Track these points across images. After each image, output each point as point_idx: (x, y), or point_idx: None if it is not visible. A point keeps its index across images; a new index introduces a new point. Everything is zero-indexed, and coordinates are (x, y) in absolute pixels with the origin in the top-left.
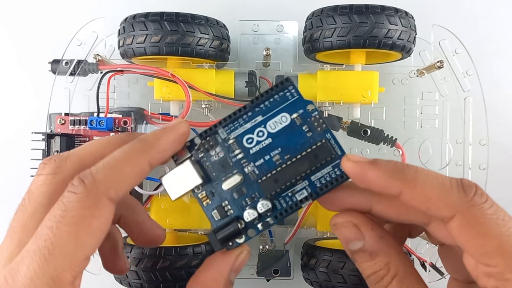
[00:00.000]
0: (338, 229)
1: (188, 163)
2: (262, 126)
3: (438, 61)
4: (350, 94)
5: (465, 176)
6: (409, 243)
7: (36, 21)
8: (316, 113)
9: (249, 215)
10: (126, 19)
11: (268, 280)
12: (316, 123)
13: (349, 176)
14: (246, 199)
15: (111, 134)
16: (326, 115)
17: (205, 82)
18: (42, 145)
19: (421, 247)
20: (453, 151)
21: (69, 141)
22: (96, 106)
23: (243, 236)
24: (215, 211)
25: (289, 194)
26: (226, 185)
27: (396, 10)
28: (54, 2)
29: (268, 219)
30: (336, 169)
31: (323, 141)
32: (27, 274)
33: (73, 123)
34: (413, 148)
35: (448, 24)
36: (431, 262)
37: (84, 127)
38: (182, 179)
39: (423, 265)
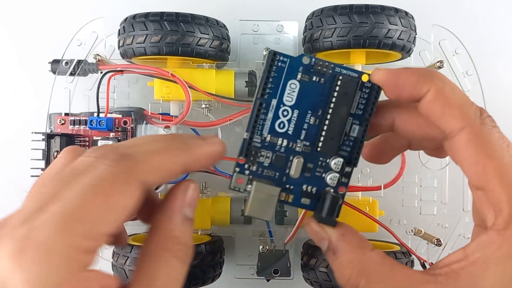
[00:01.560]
0: (308, 229)
1: (256, 184)
2: (281, 105)
3: (438, 61)
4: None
5: (464, 178)
6: (409, 243)
7: (36, 21)
8: (313, 60)
9: (331, 179)
10: (126, 19)
11: (268, 280)
12: (320, 68)
13: (382, 84)
14: (318, 169)
15: (111, 134)
16: None
17: (205, 82)
18: (42, 145)
19: (421, 247)
20: None
21: (69, 141)
22: (96, 106)
23: (340, 199)
24: (302, 199)
25: (345, 139)
26: (294, 173)
27: (396, 10)
28: (54, 2)
29: (346, 170)
30: (364, 90)
31: (340, 77)
32: (45, 235)
33: (73, 123)
34: None
35: (448, 24)
36: (431, 262)
37: (84, 127)
38: (262, 200)
39: (423, 265)
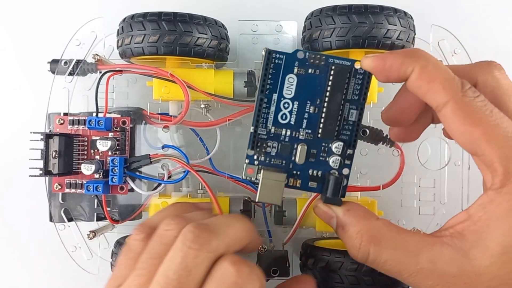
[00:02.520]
0: (316, 211)
1: (264, 172)
2: (282, 98)
3: None
4: None
5: (463, 177)
6: None
7: (35, 21)
8: (307, 53)
9: (334, 163)
10: (124, 19)
11: (267, 280)
12: (314, 61)
13: (371, 70)
14: (321, 154)
15: (110, 134)
16: None
17: (204, 82)
18: (41, 145)
19: None
20: (452, 151)
21: (68, 141)
22: (95, 106)
23: (345, 179)
24: (309, 182)
25: (344, 123)
26: (299, 159)
27: (395, 10)
28: (53, 2)
29: (348, 152)
30: (358, 76)
31: (333, 67)
32: None
33: (72, 123)
34: (412, 148)
35: (447, 24)
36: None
37: (83, 127)
38: (270, 186)
39: None
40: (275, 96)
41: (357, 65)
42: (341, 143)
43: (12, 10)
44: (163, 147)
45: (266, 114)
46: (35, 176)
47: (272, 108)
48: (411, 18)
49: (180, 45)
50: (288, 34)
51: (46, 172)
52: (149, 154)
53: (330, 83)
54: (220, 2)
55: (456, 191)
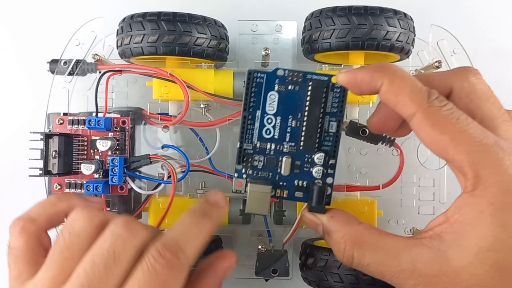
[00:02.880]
0: (303, 219)
1: (250, 185)
2: (265, 114)
3: (436, 61)
4: (349, 94)
5: None
6: None
7: (35, 20)
8: (286, 71)
9: (316, 173)
10: (124, 19)
11: (266, 280)
12: (292, 78)
13: (344, 85)
14: (305, 165)
15: (110, 134)
16: None
17: (204, 82)
18: (40, 145)
19: None
20: None
21: (68, 141)
22: (95, 106)
23: (329, 188)
24: (296, 192)
25: (325, 135)
26: (284, 171)
27: (395, 12)
28: (53, 2)
29: (330, 162)
30: (335, 90)
31: (310, 83)
32: None
33: (72, 123)
34: (412, 148)
35: (447, 24)
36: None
37: (82, 127)
38: (257, 197)
39: None
40: (258, 113)
41: (333, 80)
42: (323, 154)
43: (12, 10)
44: (162, 147)
45: (251, 130)
46: (35, 176)
47: (257, 124)
48: (411, 19)
49: (180, 45)
50: (288, 34)
51: (46, 172)
52: (149, 154)
53: (308, 97)
54: (220, 2)
55: (455, 191)
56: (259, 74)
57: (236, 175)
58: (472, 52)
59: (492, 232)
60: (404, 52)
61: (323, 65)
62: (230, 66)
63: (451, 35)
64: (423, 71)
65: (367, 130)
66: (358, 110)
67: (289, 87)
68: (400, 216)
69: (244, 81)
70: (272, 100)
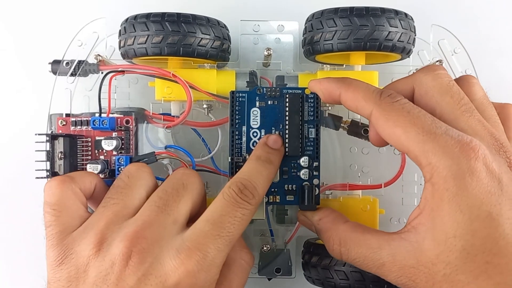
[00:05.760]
0: (299, 220)
1: None
2: (250, 129)
3: (437, 61)
4: None
5: None
6: None
7: (37, 21)
8: (264, 89)
9: (303, 175)
10: (127, 19)
11: (269, 279)
12: (270, 93)
13: (314, 91)
14: (292, 170)
15: (114, 134)
16: (326, 115)
17: (206, 82)
18: (44, 146)
19: None
20: None
21: (73, 142)
22: (98, 106)
23: (316, 188)
24: (287, 197)
25: (306, 141)
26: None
27: (396, 12)
28: (55, 2)
29: (315, 164)
30: (309, 100)
31: (287, 96)
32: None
33: (75, 123)
34: None
35: (447, 24)
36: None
37: (86, 128)
38: None
39: None
40: (244, 128)
41: (307, 92)
42: (307, 158)
43: (13, 11)
44: (166, 147)
45: (239, 144)
46: (42, 178)
47: (244, 138)
48: (412, 19)
49: (184, 45)
50: (290, 34)
51: (53, 173)
52: (155, 152)
53: (287, 108)
54: (221, 2)
55: None
56: (240, 94)
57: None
58: (473, 52)
59: (453, 218)
60: (405, 52)
61: (324, 66)
62: (232, 67)
63: (451, 34)
64: None
65: (368, 130)
66: None
67: (269, 102)
68: (401, 215)
69: (246, 81)
70: (255, 116)
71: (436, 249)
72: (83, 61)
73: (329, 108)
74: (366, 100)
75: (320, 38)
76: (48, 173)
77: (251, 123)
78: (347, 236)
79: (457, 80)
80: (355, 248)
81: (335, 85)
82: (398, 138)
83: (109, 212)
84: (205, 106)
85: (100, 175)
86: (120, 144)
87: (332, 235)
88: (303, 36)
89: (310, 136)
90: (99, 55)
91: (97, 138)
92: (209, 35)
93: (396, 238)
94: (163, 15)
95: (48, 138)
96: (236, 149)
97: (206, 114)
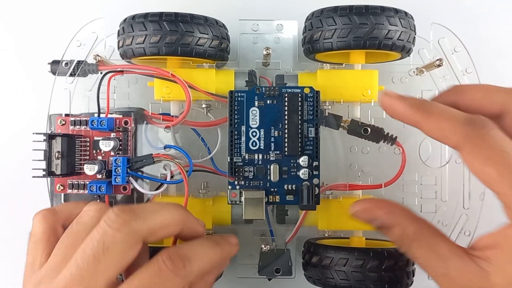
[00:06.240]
0: (357, 216)
1: (245, 193)
2: (250, 128)
3: (437, 60)
4: (350, 93)
5: (464, 176)
6: None
7: (36, 21)
8: (263, 88)
9: (303, 174)
10: (125, 19)
11: (269, 279)
12: (269, 93)
13: (383, 107)
14: (292, 169)
15: (112, 134)
16: (326, 114)
17: (205, 82)
18: (43, 145)
19: None
20: (452, 150)
21: (71, 142)
22: (97, 106)
23: (316, 188)
24: (287, 196)
25: (306, 140)
26: (274, 178)
27: (396, 11)
28: (54, 3)
29: (314, 164)
30: (308, 99)
31: (286, 95)
32: None
33: (74, 123)
34: (413, 146)
35: (447, 23)
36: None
37: (85, 128)
38: (253, 204)
39: None
40: (243, 128)
41: (306, 91)
42: (306, 157)
43: (12, 11)
44: (165, 147)
45: (238, 144)
46: (38, 177)
47: (243, 138)
48: (412, 18)
49: (182, 45)
50: (289, 33)
51: (50, 173)
52: (152, 154)
53: (286, 108)
54: (221, 2)
55: (457, 189)
56: (239, 94)
57: (230, 187)
58: (473, 51)
59: None
60: (405, 50)
61: (324, 64)
62: (231, 66)
63: (452, 33)
64: (424, 70)
65: (368, 129)
66: (359, 109)
67: (268, 101)
68: None
69: (245, 81)
70: (254, 115)
71: (504, 281)
72: (82, 61)
73: (329, 107)
74: (455, 132)
75: (319, 36)
76: (44, 172)
77: (250, 122)
78: (420, 234)
79: None
80: (423, 249)
81: (411, 111)
82: (491, 179)
83: (51, 266)
84: (204, 105)
85: (98, 175)
86: (118, 145)
87: (400, 231)
88: (302, 35)
89: (309, 136)
90: (98, 55)
91: (96, 138)
92: (207, 34)
93: (467, 256)
94: (161, 14)
95: (45, 138)
96: (235, 149)
97: (205, 113)
